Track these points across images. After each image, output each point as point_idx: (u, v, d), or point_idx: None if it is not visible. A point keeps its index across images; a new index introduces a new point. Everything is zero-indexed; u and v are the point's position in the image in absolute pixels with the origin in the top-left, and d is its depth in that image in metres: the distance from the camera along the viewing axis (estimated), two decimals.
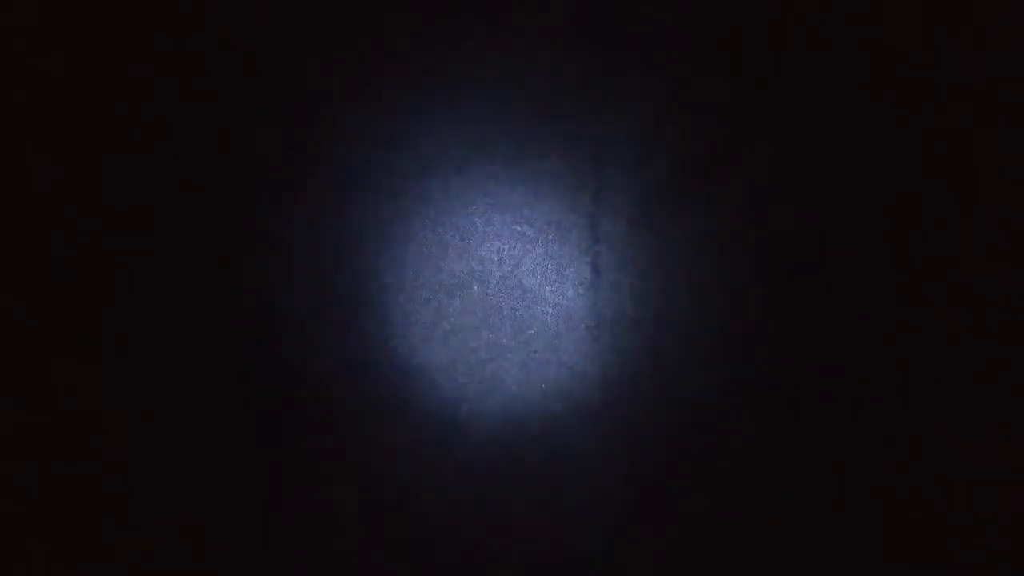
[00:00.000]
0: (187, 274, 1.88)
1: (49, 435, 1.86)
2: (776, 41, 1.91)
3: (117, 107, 1.90)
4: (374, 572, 1.86)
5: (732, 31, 1.92)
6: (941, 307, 1.88)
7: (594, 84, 1.91)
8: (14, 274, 1.88)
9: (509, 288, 1.90)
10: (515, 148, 1.90)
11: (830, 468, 1.87)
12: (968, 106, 1.91)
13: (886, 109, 1.91)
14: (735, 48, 1.91)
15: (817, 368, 1.88)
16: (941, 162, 1.90)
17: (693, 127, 1.91)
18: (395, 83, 1.91)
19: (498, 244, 1.90)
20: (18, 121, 1.90)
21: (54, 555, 1.85)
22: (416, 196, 1.90)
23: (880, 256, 1.89)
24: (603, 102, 1.91)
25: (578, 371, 1.88)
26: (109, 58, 1.91)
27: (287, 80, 1.91)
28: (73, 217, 1.89)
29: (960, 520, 1.86)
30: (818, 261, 1.89)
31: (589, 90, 1.91)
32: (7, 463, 1.86)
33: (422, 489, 1.87)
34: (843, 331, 1.88)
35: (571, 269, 1.90)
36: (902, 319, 1.88)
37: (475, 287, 1.90)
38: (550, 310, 1.90)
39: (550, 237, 1.91)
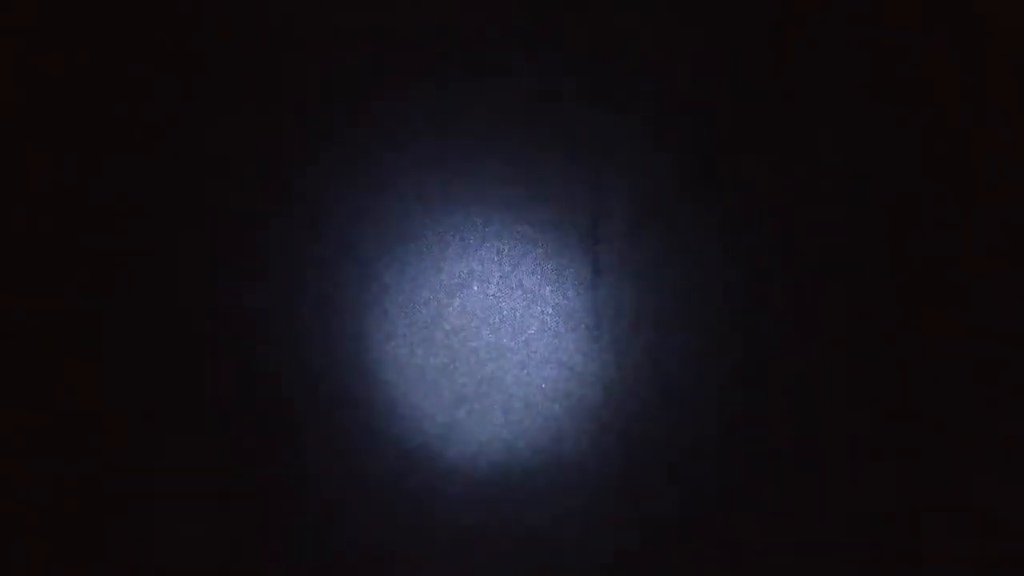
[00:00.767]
0: (187, 274, 1.88)
1: (49, 435, 1.86)
2: (776, 42, 1.91)
3: (117, 107, 1.90)
4: (374, 572, 1.86)
5: (732, 32, 1.91)
6: (941, 307, 1.89)
7: (594, 84, 1.91)
8: (14, 274, 1.88)
9: (509, 288, 1.90)
10: (515, 148, 1.90)
11: (830, 467, 1.87)
12: (968, 106, 1.91)
13: (886, 109, 1.91)
14: (735, 49, 1.91)
15: (817, 368, 1.88)
16: (941, 162, 1.90)
17: (693, 128, 1.91)
18: (395, 83, 1.91)
19: (498, 244, 1.90)
20: (18, 121, 1.90)
21: (54, 555, 1.85)
22: (416, 196, 1.90)
23: (880, 256, 1.89)
24: (603, 102, 1.91)
25: (578, 371, 1.88)
26: (109, 58, 1.91)
27: (287, 80, 1.91)
28: (73, 217, 1.89)
29: (960, 520, 1.86)
30: (818, 261, 1.89)
31: (589, 90, 1.91)
32: (7, 463, 1.86)
33: (422, 489, 1.87)
34: (843, 331, 1.88)
35: (571, 269, 1.90)
36: (902, 319, 1.88)
37: (475, 287, 1.90)
38: (550, 310, 1.90)
39: (550, 237, 1.91)
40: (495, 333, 1.89)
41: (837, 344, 1.88)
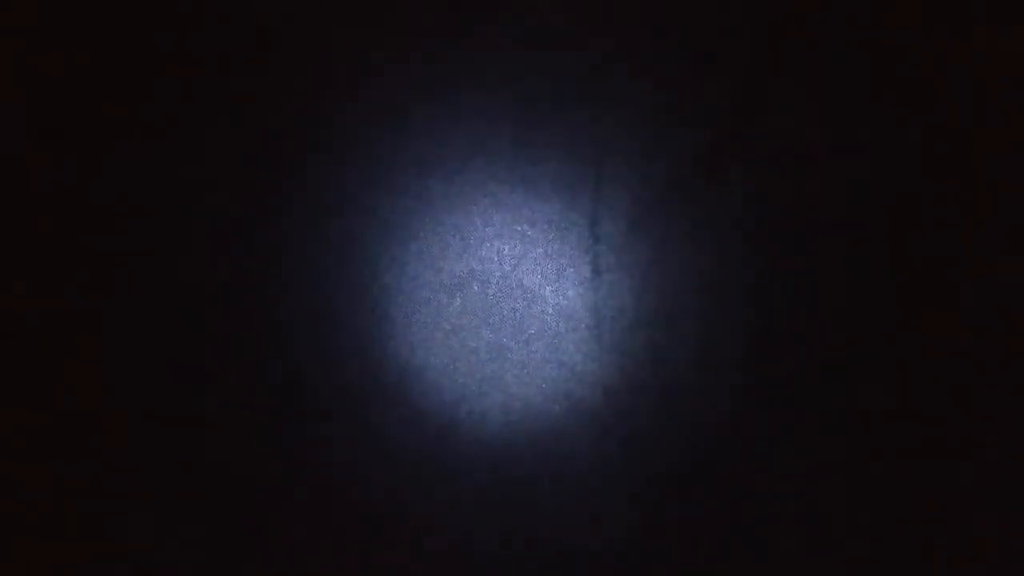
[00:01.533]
0: (187, 274, 1.88)
1: (49, 435, 1.86)
2: (776, 41, 1.91)
3: (117, 107, 1.90)
4: (373, 571, 1.86)
5: (732, 31, 1.91)
6: (941, 307, 1.88)
7: (594, 84, 1.91)
8: (14, 274, 1.88)
9: (509, 288, 1.90)
10: (515, 148, 1.90)
11: (830, 467, 1.87)
12: (968, 106, 1.91)
13: (886, 109, 1.91)
14: (735, 48, 1.91)
15: (818, 368, 1.88)
16: (941, 162, 1.90)
17: (693, 127, 1.91)
18: (395, 83, 1.91)
19: (498, 244, 1.90)
20: (18, 121, 1.90)
21: (54, 555, 1.85)
22: (416, 196, 1.90)
23: (880, 256, 1.89)
24: (603, 102, 1.91)
25: (578, 371, 1.88)
26: (109, 58, 1.91)
27: (287, 80, 1.91)
28: (73, 216, 1.89)
29: (960, 520, 1.86)
30: (818, 261, 1.89)
31: (589, 90, 1.91)
32: (7, 463, 1.86)
33: (422, 489, 1.86)
34: (843, 331, 1.88)
35: (571, 269, 1.90)
36: (902, 319, 1.88)
37: (475, 287, 1.90)
38: (550, 310, 1.90)
39: (550, 237, 1.91)
40: (495, 333, 1.89)
41: (837, 344, 1.88)
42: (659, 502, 1.87)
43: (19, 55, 1.91)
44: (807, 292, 1.89)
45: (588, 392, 1.88)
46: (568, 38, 1.92)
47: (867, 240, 1.89)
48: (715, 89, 1.91)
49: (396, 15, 1.92)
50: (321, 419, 1.87)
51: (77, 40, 1.91)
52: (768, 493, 1.86)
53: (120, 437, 1.86)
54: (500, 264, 1.90)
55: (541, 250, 1.91)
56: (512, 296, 1.90)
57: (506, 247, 1.90)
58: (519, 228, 1.90)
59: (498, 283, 1.90)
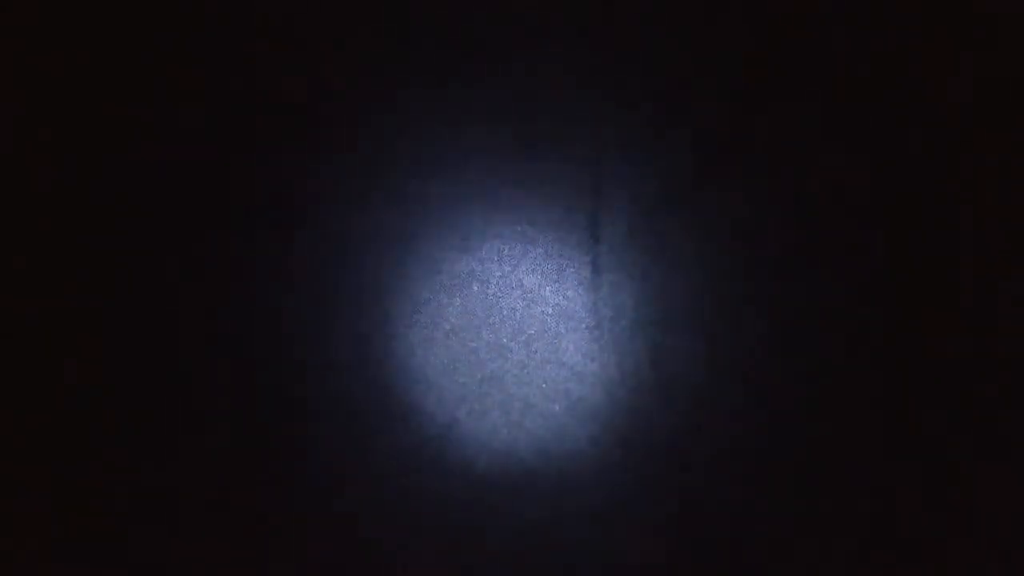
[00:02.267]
0: (187, 274, 1.88)
1: (49, 435, 1.86)
2: (776, 41, 1.91)
3: (117, 107, 1.90)
4: (373, 571, 1.86)
5: (732, 32, 1.91)
6: (941, 307, 1.88)
7: (594, 84, 1.91)
8: (14, 274, 1.88)
9: (509, 288, 1.90)
10: (515, 148, 1.90)
11: (831, 467, 1.87)
12: (968, 107, 1.91)
13: (886, 110, 1.91)
14: (735, 49, 1.91)
15: (817, 368, 1.88)
16: (941, 162, 1.90)
17: (693, 128, 1.91)
18: (395, 83, 1.91)
19: (498, 244, 1.90)
20: (18, 121, 1.90)
21: (54, 555, 1.85)
22: (416, 196, 1.90)
23: (880, 256, 1.89)
24: (603, 102, 1.91)
25: (578, 371, 1.88)
26: (109, 58, 1.91)
27: (287, 80, 1.91)
28: (73, 217, 1.89)
29: (960, 521, 1.86)
30: (818, 261, 1.89)
31: (589, 90, 1.91)
32: (7, 463, 1.86)
33: (422, 489, 1.86)
34: (843, 331, 1.88)
35: (571, 269, 1.90)
36: (902, 319, 1.88)
37: (475, 287, 1.90)
38: (550, 310, 1.90)
39: (550, 237, 1.91)
40: (495, 333, 1.89)
41: (837, 344, 1.88)
42: (659, 502, 1.87)
43: (19, 55, 1.91)
44: (807, 292, 1.89)
45: (588, 392, 1.88)
46: (568, 39, 1.92)
47: (867, 240, 1.89)
48: (715, 89, 1.91)
49: (396, 15, 1.92)
50: (321, 419, 1.87)
51: (77, 40, 1.91)
52: (768, 493, 1.86)
53: (120, 437, 1.86)
54: (500, 264, 1.90)
55: (541, 250, 1.91)
56: (512, 296, 1.90)
57: (506, 247, 1.90)
58: (519, 228, 1.90)
59: (498, 283, 1.90)
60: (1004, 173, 1.90)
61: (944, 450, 1.87)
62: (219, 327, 1.88)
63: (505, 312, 1.90)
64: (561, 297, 1.90)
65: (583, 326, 1.89)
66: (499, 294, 1.90)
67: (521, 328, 1.89)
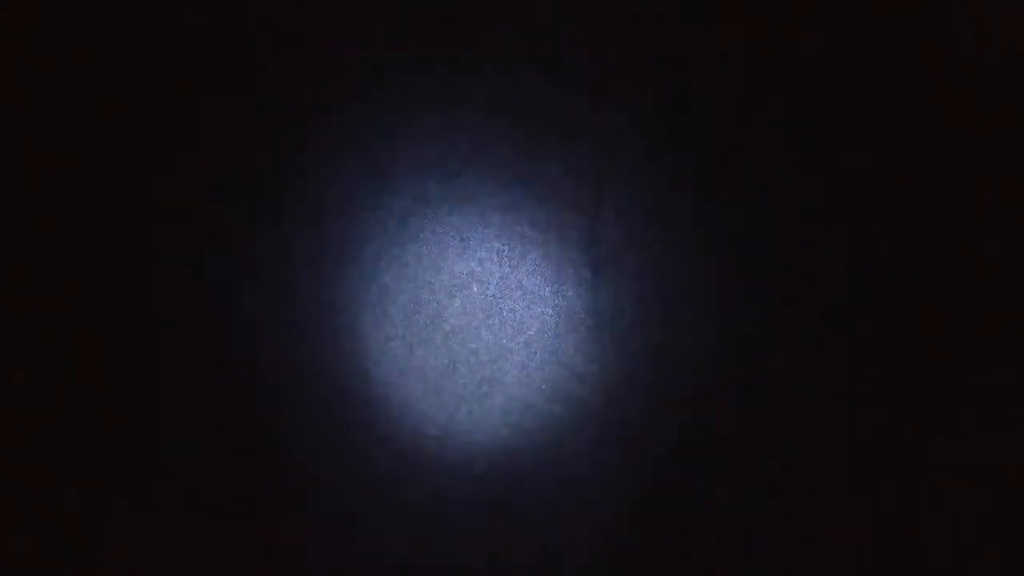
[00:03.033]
0: (187, 274, 1.88)
1: (49, 435, 1.86)
2: (776, 42, 1.91)
3: (117, 107, 1.90)
4: (374, 571, 1.86)
5: (733, 33, 1.91)
6: (941, 307, 1.89)
7: (594, 84, 1.91)
8: (14, 274, 1.88)
9: (509, 288, 1.90)
10: (515, 149, 1.90)
11: (831, 467, 1.87)
12: (968, 105, 1.91)
13: (886, 110, 1.91)
14: (736, 49, 1.91)
15: (817, 368, 1.88)
16: (941, 162, 1.90)
17: (693, 128, 1.90)
18: (395, 84, 1.91)
19: (498, 244, 1.90)
20: (18, 121, 1.90)
21: (54, 555, 1.85)
22: (416, 196, 1.90)
23: (880, 256, 1.89)
24: (603, 102, 1.91)
25: (578, 371, 1.88)
26: (109, 58, 1.90)
27: (287, 81, 1.91)
28: (73, 217, 1.89)
29: (960, 520, 1.86)
30: (818, 261, 1.89)
31: (589, 90, 1.91)
32: (7, 463, 1.86)
33: (422, 489, 1.87)
34: (843, 331, 1.88)
35: (571, 269, 1.90)
36: (902, 319, 1.88)
37: (475, 287, 1.90)
38: (550, 310, 1.90)
39: (550, 238, 1.91)
40: (495, 334, 1.89)
41: (837, 344, 1.88)
42: (659, 502, 1.87)
43: (19, 55, 1.91)
44: (807, 292, 1.89)
45: (588, 392, 1.88)
46: (568, 40, 1.91)
47: (867, 240, 1.89)
48: (715, 89, 1.91)
49: (396, 17, 1.92)
50: (322, 419, 1.87)
51: (77, 40, 1.91)
52: (768, 493, 1.87)
53: (120, 437, 1.86)
54: (500, 265, 1.90)
55: (541, 251, 1.91)
56: (512, 297, 1.90)
57: (506, 248, 1.90)
58: (519, 229, 1.90)
59: (498, 284, 1.90)
60: (1004, 173, 1.90)
61: (944, 450, 1.87)
62: (219, 327, 1.88)
63: (505, 313, 1.90)
64: (561, 298, 1.90)
65: (583, 327, 1.89)
66: (499, 294, 1.90)
67: (521, 329, 1.89)
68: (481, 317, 1.89)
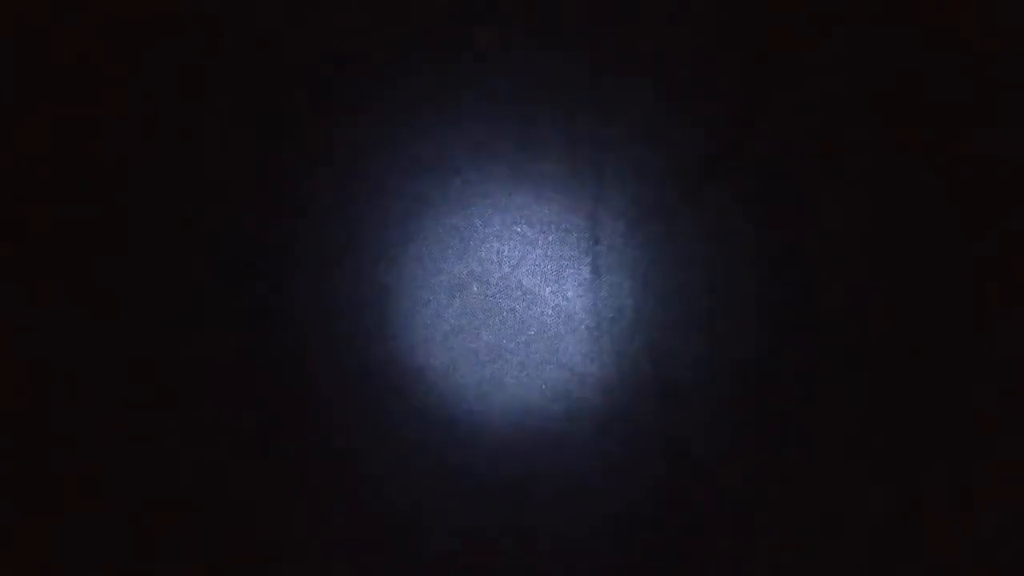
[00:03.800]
0: (187, 275, 1.88)
1: (49, 435, 1.86)
2: (776, 42, 1.91)
3: (118, 107, 1.90)
4: (373, 569, 1.87)
5: (732, 32, 1.91)
6: (941, 307, 1.88)
7: (594, 84, 1.91)
8: (14, 273, 1.88)
9: (509, 288, 1.90)
10: (514, 148, 1.90)
11: (831, 467, 1.87)
12: (968, 107, 1.91)
13: (886, 110, 1.91)
14: (735, 49, 1.91)
15: (817, 368, 1.88)
16: (940, 163, 1.90)
17: (693, 128, 1.90)
18: (395, 84, 1.91)
19: (498, 244, 1.90)
20: (18, 121, 1.90)
21: (54, 555, 1.85)
22: (416, 196, 1.90)
23: (881, 256, 1.89)
24: (603, 102, 1.91)
25: (578, 372, 1.88)
26: (110, 58, 1.90)
27: (287, 81, 1.91)
28: (73, 216, 1.89)
29: (960, 520, 1.86)
30: (818, 261, 1.89)
31: (589, 90, 1.91)
32: (7, 463, 1.86)
33: (422, 490, 1.87)
34: (842, 331, 1.88)
35: (571, 269, 1.90)
36: (901, 319, 1.88)
37: (475, 287, 1.90)
38: (550, 310, 1.90)
39: (550, 237, 1.91)
40: (495, 334, 1.89)
41: (837, 344, 1.88)
42: (659, 502, 1.87)
43: (19, 55, 1.91)
44: (807, 292, 1.89)
45: (588, 392, 1.88)
46: (569, 39, 1.91)
47: (867, 240, 1.89)
48: (716, 90, 1.91)
49: (396, 17, 1.92)
50: (322, 419, 1.87)
51: (78, 39, 1.91)
52: (768, 493, 1.87)
53: (119, 436, 1.86)
54: (500, 265, 1.90)
55: (541, 251, 1.90)
56: (512, 297, 1.90)
57: (505, 248, 1.90)
58: (519, 229, 1.90)
59: (498, 284, 1.90)
60: (1004, 173, 1.90)
61: (944, 450, 1.87)
62: (218, 327, 1.88)
63: (505, 313, 1.90)
64: (561, 298, 1.90)
65: (583, 327, 1.89)
66: (499, 295, 1.90)
67: (521, 329, 1.89)
68: (481, 318, 1.89)
